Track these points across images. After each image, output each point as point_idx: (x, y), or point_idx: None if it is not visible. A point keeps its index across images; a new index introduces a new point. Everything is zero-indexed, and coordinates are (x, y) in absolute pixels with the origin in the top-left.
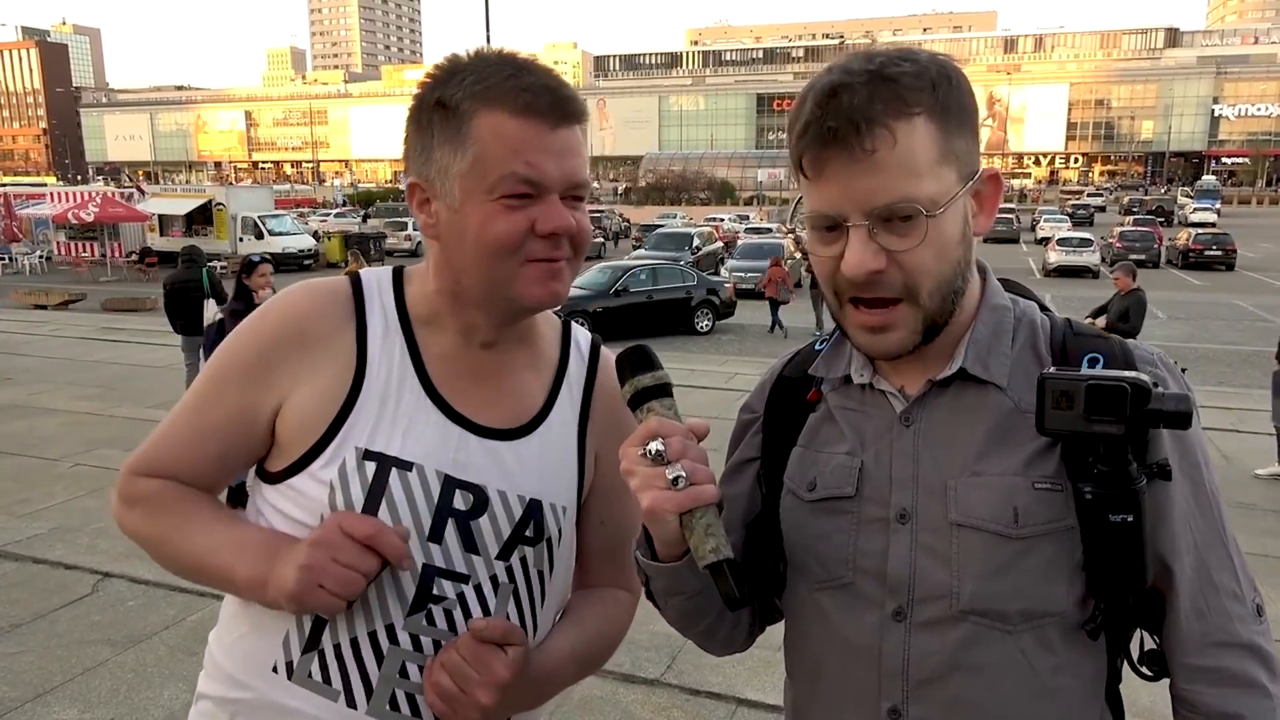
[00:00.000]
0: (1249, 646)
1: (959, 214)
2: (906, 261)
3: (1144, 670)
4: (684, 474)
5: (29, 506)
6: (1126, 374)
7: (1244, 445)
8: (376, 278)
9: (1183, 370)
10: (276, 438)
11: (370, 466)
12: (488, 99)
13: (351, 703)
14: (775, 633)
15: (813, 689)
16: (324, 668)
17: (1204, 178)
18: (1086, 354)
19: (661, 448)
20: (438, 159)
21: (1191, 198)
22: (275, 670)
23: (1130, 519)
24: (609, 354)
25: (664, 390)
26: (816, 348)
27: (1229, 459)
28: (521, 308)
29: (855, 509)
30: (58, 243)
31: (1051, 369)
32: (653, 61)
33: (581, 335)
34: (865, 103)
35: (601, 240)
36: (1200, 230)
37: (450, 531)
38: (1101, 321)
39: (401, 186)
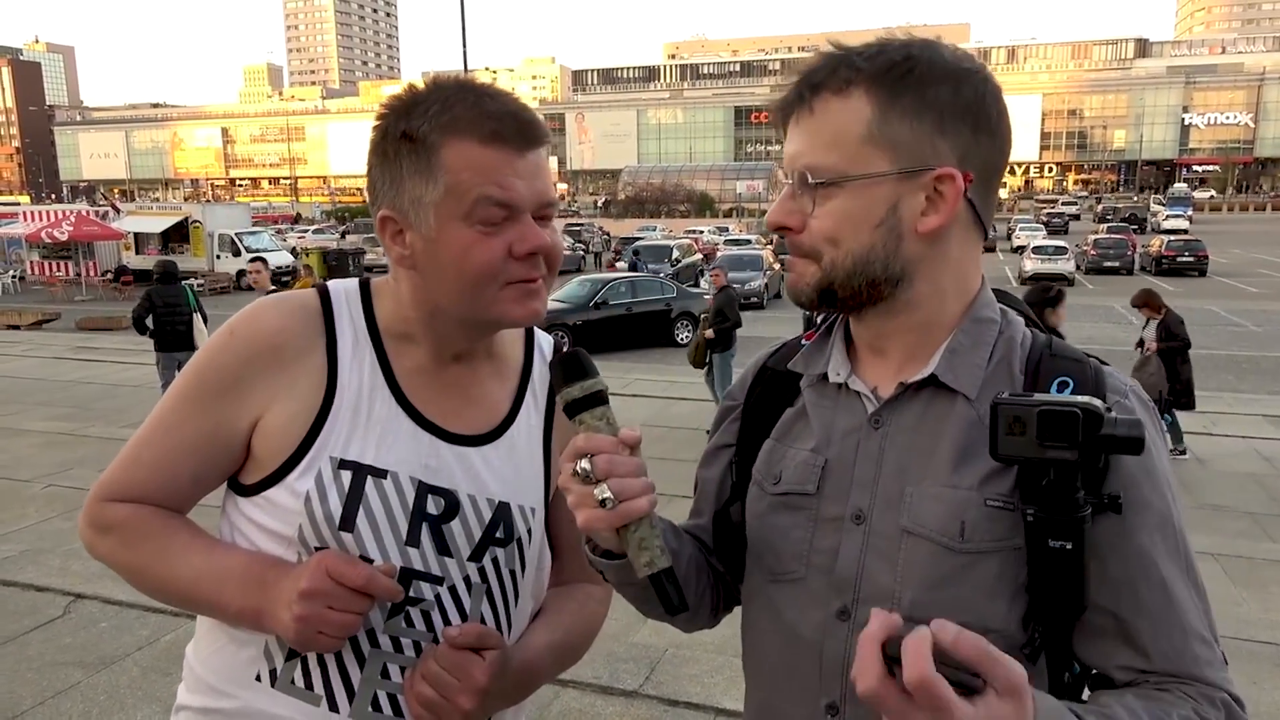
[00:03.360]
0: (1221, 694)
1: (880, 199)
2: (811, 225)
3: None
4: (611, 495)
5: (0, 529)
6: (1079, 399)
7: (1217, 448)
8: (344, 291)
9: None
10: (252, 452)
11: (346, 475)
12: (455, 129)
13: (334, 706)
14: None
15: (758, 673)
16: (306, 674)
17: (1175, 185)
18: (1058, 377)
19: (589, 466)
20: (409, 190)
21: (1164, 205)
22: (259, 679)
23: (1069, 546)
24: None
25: (594, 400)
26: (803, 342)
27: (1203, 461)
28: (502, 327)
29: (814, 506)
30: (31, 262)
31: (1005, 394)
32: (631, 75)
33: (545, 340)
34: (809, 74)
35: (582, 253)
36: (1173, 237)
37: (424, 535)
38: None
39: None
